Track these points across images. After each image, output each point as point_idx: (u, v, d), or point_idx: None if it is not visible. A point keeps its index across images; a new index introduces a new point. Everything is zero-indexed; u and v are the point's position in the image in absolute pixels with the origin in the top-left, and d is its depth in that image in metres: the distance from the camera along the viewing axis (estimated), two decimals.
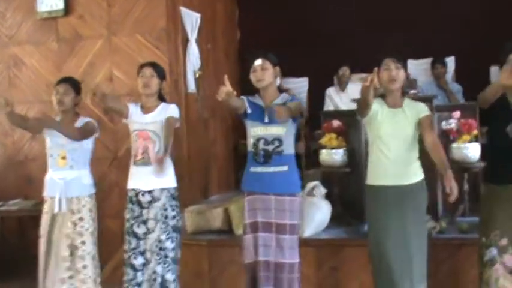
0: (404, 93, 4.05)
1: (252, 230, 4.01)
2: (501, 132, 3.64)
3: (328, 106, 7.62)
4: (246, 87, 8.16)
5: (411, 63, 7.01)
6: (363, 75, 7.88)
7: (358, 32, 8.02)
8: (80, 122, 4.60)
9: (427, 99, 4.86)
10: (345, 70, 7.65)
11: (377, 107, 3.91)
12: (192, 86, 6.65)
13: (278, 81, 4.15)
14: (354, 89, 7.58)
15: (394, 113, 3.91)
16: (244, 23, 8.61)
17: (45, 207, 4.60)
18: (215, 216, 5.28)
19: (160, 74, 4.45)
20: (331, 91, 7.72)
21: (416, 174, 3.93)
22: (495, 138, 3.73)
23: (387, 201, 3.87)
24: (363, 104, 3.80)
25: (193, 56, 6.70)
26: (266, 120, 3.96)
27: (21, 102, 6.54)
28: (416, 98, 4.42)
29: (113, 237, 5.81)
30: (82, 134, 4.51)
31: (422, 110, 3.95)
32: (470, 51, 7.54)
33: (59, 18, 6.42)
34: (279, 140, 3.94)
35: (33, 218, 6.20)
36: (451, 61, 7.66)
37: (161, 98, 4.52)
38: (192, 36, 6.70)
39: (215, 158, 7.38)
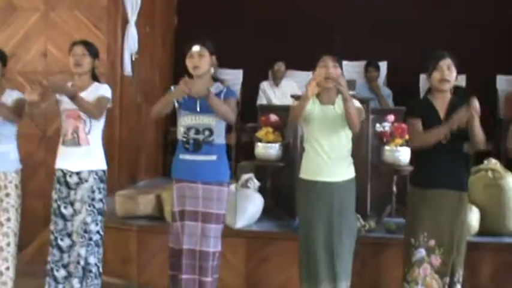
0: (338, 91, 4.08)
1: (180, 218, 4.00)
2: None
3: (262, 100, 7.67)
4: (180, 75, 8.23)
5: (345, 65, 7.12)
6: (299, 72, 8.03)
7: (295, 28, 8.13)
8: (7, 94, 4.42)
9: (363, 102, 4.94)
10: (280, 65, 7.72)
11: (310, 105, 3.97)
12: (128, 69, 6.56)
13: (212, 70, 4.11)
14: (288, 84, 7.71)
15: (326, 110, 3.97)
16: (182, 10, 8.52)
17: None
18: (147, 202, 5.22)
19: (93, 53, 4.30)
20: (265, 85, 7.77)
21: (346, 172, 4.01)
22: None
23: (317, 196, 3.94)
24: (298, 112, 3.88)
25: (132, 39, 6.60)
26: (198, 109, 3.93)
27: None
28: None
29: (36, 217, 5.67)
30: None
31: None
32: (402, 57, 7.78)
33: None
34: (210, 129, 3.93)
35: None
36: (383, 65, 7.86)
37: (94, 77, 4.36)
38: (132, 18, 6.60)
39: (145, 144, 7.30)
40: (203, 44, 3.96)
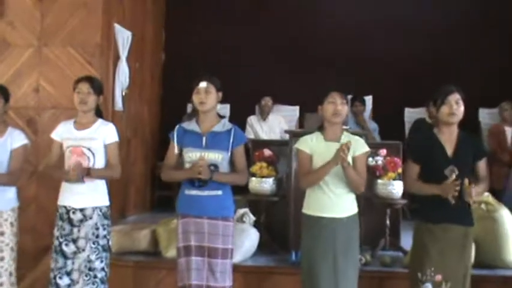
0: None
1: (186, 253, 3.98)
2: (437, 173, 3.83)
3: (249, 134, 7.72)
4: (167, 110, 8.31)
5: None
6: (285, 106, 8.14)
7: (282, 64, 8.27)
8: (12, 135, 4.43)
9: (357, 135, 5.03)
10: (267, 100, 7.82)
11: (313, 142, 4.04)
12: (119, 104, 6.60)
13: (219, 106, 4.17)
14: (276, 119, 7.81)
15: (331, 146, 3.99)
16: (169, 46, 8.63)
17: None
18: (141, 237, 5.22)
19: (97, 90, 4.30)
20: (252, 120, 7.85)
21: (350, 208, 4.04)
22: (430, 179, 3.90)
23: (320, 232, 3.97)
24: (322, 176, 3.93)
25: (123, 74, 6.67)
26: (204, 145, 3.97)
27: None
28: None
29: (26, 253, 5.60)
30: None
31: (359, 146, 4.05)
32: (387, 91, 7.95)
33: None
34: (215, 165, 3.94)
35: None
36: (368, 100, 8.00)
37: (98, 113, 4.40)
38: (123, 53, 6.68)
39: (134, 178, 7.30)
40: (210, 81, 4.00)
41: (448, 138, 3.93)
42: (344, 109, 4.02)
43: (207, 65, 7.56)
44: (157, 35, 8.33)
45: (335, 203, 3.97)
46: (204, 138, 3.96)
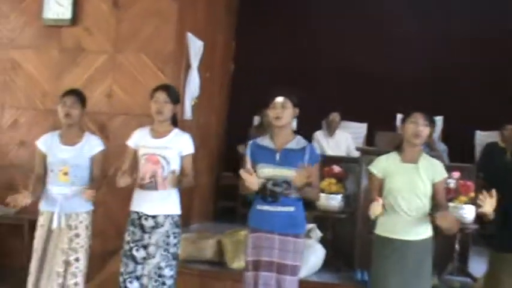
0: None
1: (254, 268, 3.93)
2: None
3: None
4: (234, 120, 8.34)
5: (400, 119, 7.15)
6: (353, 123, 8.05)
7: (350, 80, 8.19)
8: (86, 138, 4.49)
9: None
10: (335, 116, 7.72)
11: (388, 163, 3.95)
12: (188, 113, 6.63)
13: (294, 123, 4.11)
14: (343, 135, 7.71)
15: (408, 168, 3.91)
16: (239, 56, 8.65)
17: (41, 220, 4.43)
18: (208, 247, 5.24)
19: (174, 99, 4.31)
20: (319, 135, 7.77)
21: (424, 231, 3.93)
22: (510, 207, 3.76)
23: (392, 253, 3.88)
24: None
25: (193, 83, 6.70)
26: (277, 161, 3.93)
27: (13, 106, 6.45)
28: None
29: (94, 255, 5.68)
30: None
31: (439, 172, 3.96)
32: (458, 113, 7.76)
33: (64, 27, 6.38)
34: (288, 182, 3.89)
35: (13, 227, 6.07)
36: (438, 121, 7.82)
37: (174, 122, 4.41)
38: (195, 62, 6.72)
39: (199, 188, 7.31)
40: (287, 95, 3.95)
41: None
42: (426, 131, 3.92)
43: (275, 78, 7.65)
44: (227, 46, 8.38)
45: (409, 225, 3.87)
46: (277, 155, 3.91)
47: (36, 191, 4.35)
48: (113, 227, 5.98)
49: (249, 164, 3.98)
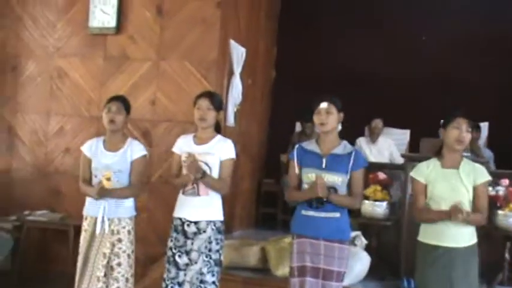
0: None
1: (300, 273, 3.91)
2: None
3: None
4: (276, 127, 8.33)
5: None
6: (395, 129, 7.96)
7: (394, 85, 8.10)
8: (128, 144, 4.52)
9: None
10: (377, 122, 7.63)
11: (429, 170, 3.90)
12: (231, 120, 6.64)
13: (340, 127, 4.07)
14: (385, 142, 7.63)
15: (449, 174, 3.84)
16: (280, 63, 8.64)
17: (85, 225, 4.48)
18: (251, 254, 5.23)
19: (217, 106, 4.30)
20: (361, 141, 7.69)
21: (469, 238, 3.84)
22: None
23: (437, 261, 3.81)
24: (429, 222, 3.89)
25: (236, 90, 6.70)
26: (324, 166, 3.89)
27: (59, 114, 6.56)
28: None
29: (137, 261, 5.71)
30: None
31: (481, 175, 3.87)
32: (505, 118, 7.61)
33: (109, 36, 6.46)
34: (334, 188, 3.86)
35: (59, 232, 6.17)
36: (484, 127, 7.69)
37: (217, 129, 4.41)
38: (237, 69, 6.72)
39: (241, 194, 7.32)
40: (331, 101, 3.93)
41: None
42: (468, 136, 3.85)
43: (316, 84, 7.62)
44: (269, 52, 8.37)
45: (453, 232, 3.80)
46: (324, 160, 3.88)
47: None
48: (155, 233, 6.02)
49: (296, 168, 3.97)
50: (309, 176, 3.89)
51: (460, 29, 8.13)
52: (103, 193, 4.31)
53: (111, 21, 6.39)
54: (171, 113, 6.21)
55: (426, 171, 3.91)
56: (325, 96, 3.97)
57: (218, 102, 4.33)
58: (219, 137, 4.34)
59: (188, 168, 4.06)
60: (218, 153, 4.24)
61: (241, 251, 5.24)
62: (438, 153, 3.96)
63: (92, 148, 4.50)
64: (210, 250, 4.18)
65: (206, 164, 4.19)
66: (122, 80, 6.38)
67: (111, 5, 6.38)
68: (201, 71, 6.17)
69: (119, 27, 6.39)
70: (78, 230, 4.76)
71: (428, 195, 3.90)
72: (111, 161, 4.41)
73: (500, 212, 5.08)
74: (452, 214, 3.67)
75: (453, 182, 3.82)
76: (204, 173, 4.05)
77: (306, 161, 3.93)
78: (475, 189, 3.82)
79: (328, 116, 3.90)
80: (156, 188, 6.09)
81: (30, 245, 6.32)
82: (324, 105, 3.92)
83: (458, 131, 3.80)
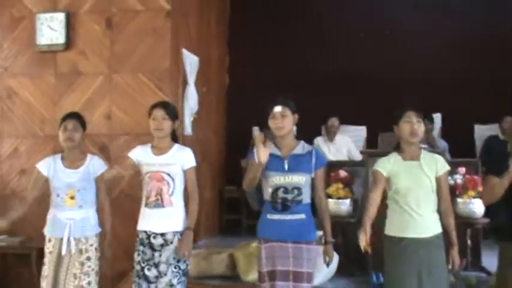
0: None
1: (270, 278, 3.90)
2: None
3: None
4: (232, 133, 8.34)
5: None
6: (352, 126, 8.04)
7: (345, 84, 8.19)
8: (89, 160, 4.46)
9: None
10: (334, 121, 7.70)
11: (391, 164, 3.95)
12: (188, 129, 6.63)
13: (295, 129, 4.09)
14: (343, 140, 7.70)
15: (411, 166, 3.91)
16: (233, 69, 8.66)
17: (49, 247, 4.37)
18: (220, 261, 5.22)
19: (172, 115, 4.28)
20: (319, 141, 7.74)
21: (433, 228, 3.91)
22: None
23: (404, 253, 3.87)
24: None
25: (192, 99, 6.70)
26: (286, 168, 3.91)
27: (12, 135, 6.43)
28: None
29: (103, 278, 5.61)
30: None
31: (442, 165, 3.96)
32: (456, 108, 7.76)
33: (58, 52, 6.36)
34: (299, 189, 3.87)
35: (20, 256, 6.03)
36: (437, 118, 7.83)
37: (174, 138, 4.38)
38: (191, 78, 6.72)
39: (204, 203, 7.25)
40: (285, 104, 3.93)
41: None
42: (421, 127, 3.92)
43: (270, 87, 7.63)
44: (221, 59, 8.41)
45: (418, 223, 3.86)
46: (286, 162, 3.89)
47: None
48: (120, 249, 5.90)
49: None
50: (274, 179, 3.88)
51: (412, 22, 8.30)
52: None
53: (59, 38, 6.29)
54: (127, 126, 6.15)
55: (388, 165, 3.96)
56: (279, 100, 3.97)
57: (173, 112, 4.32)
58: (177, 146, 4.32)
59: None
60: (179, 162, 4.23)
61: (209, 259, 5.22)
62: (397, 148, 4.03)
63: (51, 167, 4.41)
64: (178, 261, 4.15)
65: (169, 174, 4.18)
66: (75, 96, 6.29)
67: (58, 21, 6.28)
68: (155, 82, 6.13)
69: (68, 43, 6.30)
70: (40, 253, 4.67)
71: (393, 188, 3.95)
72: (74, 178, 4.35)
73: (459, 200, 5.18)
74: None
75: (416, 173, 3.89)
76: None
77: (268, 165, 3.92)
78: (437, 180, 3.90)
79: (283, 119, 3.91)
80: (118, 203, 5.98)
81: None
82: (278, 108, 3.92)
83: (410, 124, 3.89)
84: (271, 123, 3.94)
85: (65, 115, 4.52)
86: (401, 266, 3.85)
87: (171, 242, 4.15)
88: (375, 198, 3.95)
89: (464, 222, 5.22)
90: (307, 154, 3.93)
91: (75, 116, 4.51)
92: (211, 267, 5.21)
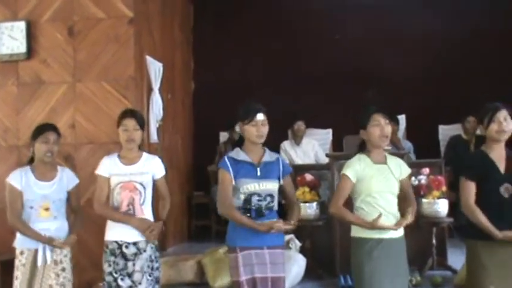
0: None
1: (250, 286, 3.86)
2: (493, 193, 3.76)
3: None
4: (199, 140, 8.33)
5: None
6: (318, 130, 8.09)
7: (310, 87, 8.26)
8: (60, 172, 4.40)
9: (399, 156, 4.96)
10: (300, 124, 7.74)
11: (361, 167, 3.97)
12: (154, 136, 6.60)
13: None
14: (309, 143, 7.75)
15: (381, 169, 3.92)
16: (198, 75, 8.65)
17: (22, 260, 4.28)
18: (188, 268, 5.20)
19: (142, 124, 4.24)
20: (286, 145, 7.79)
21: (401, 229, 3.92)
22: (487, 198, 3.80)
23: (371, 253, 3.86)
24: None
25: (157, 106, 6.68)
26: (258, 175, 3.87)
27: None
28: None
29: None
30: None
31: (405, 168, 3.99)
32: (420, 110, 7.87)
33: (20, 62, 6.27)
34: (271, 195, 3.84)
35: None
36: (402, 119, 7.91)
37: (139, 146, 4.31)
38: (156, 85, 6.70)
39: (171, 209, 7.18)
40: (265, 112, 3.87)
41: (499, 156, 3.83)
42: (389, 129, 3.93)
43: (234, 92, 7.64)
44: (186, 64, 8.39)
45: (391, 222, 3.88)
46: (258, 169, 3.85)
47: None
48: (87, 259, 5.89)
49: (232, 180, 3.92)
50: (247, 187, 3.82)
51: (378, 24, 8.38)
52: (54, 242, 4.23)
53: (20, 47, 6.21)
54: (92, 135, 6.10)
55: (358, 168, 3.95)
56: (260, 107, 3.87)
57: (142, 121, 4.28)
58: (146, 155, 4.29)
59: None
60: (150, 171, 4.22)
61: (177, 266, 5.21)
62: (362, 149, 4.04)
63: (22, 180, 4.30)
64: (152, 269, 4.14)
65: (141, 184, 4.16)
66: (39, 106, 6.21)
67: (19, 30, 6.20)
68: (119, 90, 6.09)
69: (30, 52, 6.22)
70: (7, 266, 4.59)
71: (365, 192, 3.91)
72: (49, 190, 4.30)
73: (424, 200, 5.25)
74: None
75: (387, 176, 3.89)
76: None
77: (240, 172, 3.88)
78: (401, 182, 3.93)
79: (264, 127, 3.87)
80: (84, 212, 5.94)
81: None
82: (261, 116, 3.83)
83: (379, 127, 3.87)
84: (252, 130, 3.81)
85: (43, 126, 4.44)
86: (369, 268, 3.85)
87: (144, 251, 4.12)
88: (341, 204, 3.97)
89: (430, 222, 5.29)
90: (275, 161, 3.90)
91: (55, 129, 4.42)
92: (179, 274, 5.19)
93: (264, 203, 3.82)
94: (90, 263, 5.85)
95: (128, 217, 4.13)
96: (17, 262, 4.31)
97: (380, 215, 3.75)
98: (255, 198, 3.82)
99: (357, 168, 3.96)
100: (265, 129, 3.86)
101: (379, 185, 3.88)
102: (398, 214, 3.94)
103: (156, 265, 4.17)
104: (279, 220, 3.75)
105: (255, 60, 8.52)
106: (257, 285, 3.81)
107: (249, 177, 3.83)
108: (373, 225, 3.82)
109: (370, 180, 3.90)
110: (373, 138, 3.89)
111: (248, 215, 3.82)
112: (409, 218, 3.83)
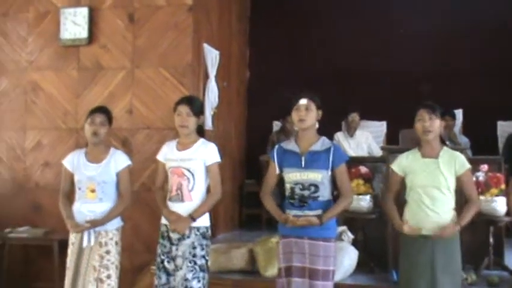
0: (443, 142, 4.09)
1: (286, 274, 3.88)
2: None
3: None
4: (252, 127, 8.35)
5: None
6: (372, 122, 8.01)
7: (368, 78, 8.14)
8: (111, 154, 4.49)
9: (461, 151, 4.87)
10: (354, 116, 7.65)
11: (408, 160, 3.98)
12: (209, 123, 6.64)
13: (317, 125, 4.06)
14: (363, 135, 7.67)
15: (429, 163, 3.92)
16: (253, 63, 8.66)
17: (72, 239, 4.44)
18: (239, 256, 5.22)
19: (197, 111, 4.27)
20: (339, 136, 7.71)
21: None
22: None
23: (418, 251, 3.88)
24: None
25: (212, 93, 6.72)
26: (303, 165, 3.87)
27: (35, 128, 6.50)
28: None
29: (124, 271, 5.66)
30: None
31: (462, 164, 3.95)
32: (478, 104, 7.70)
33: (81, 47, 6.41)
34: (315, 185, 3.83)
35: (42, 248, 6.09)
36: (459, 114, 7.77)
37: (200, 133, 4.38)
38: (212, 73, 6.74)
39: (223, 197, 7.25)
40: (310, 98, 3.92)
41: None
42: (434, 124, 3.94)
43: (290, 82, 7.62)
44: (242, 53, 8.42)
45: (434, 220, 3.87)
46: (303, 158, 3.87)
47: (71, 214, 4.40)
48: (141, 242, 6.00)
49: (276, 170, 3.97)
50: (290, 176, 3.88)
51: (436, 19, 8.22)
52: (80, 229, 4.32)
53: (82, 32, 6.34)
54: (149, 120, 6.19)
55: (405, 163, 4.00)
56: (305, 93, 3.96)
57: (198, 108, 4.31)
58: (201, 140, 4.32)
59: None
60: (201, 157, 4.23)
61: (229, 254, 5.23)
62: (419, 144, 4.05)
63: (74, 161, 4.47)
64: (194, 256, 4.15)
65: (189, 170, 4.19)
66: (97, 90, 6.34)
67: (82, 16, 6.34)
68: (177, 77, 6.15)
69: (91, 38, 6.35)
70: (63, 245, 4.71)
71: (409, 185, 3.98)
72: (95, 172, 4.39)
73: (481, 197, 5.11)
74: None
75: (433, 171, 3.90)
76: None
77: (286, 161, 3.93)
78: (458, 179, 3.90)
79: (307, 112, 3.89)
80: (139, 196, 6.02)
81: (13, 262, 6.21)
82: (303, 101, 3.91)
83: (421, 123, 3.93)
84: (294, 115, 3.92)
85: (93, 109, 4.56)
86: (416, 264, 3.87)
87: (188, 237, 4.16)
88: (390, 198, 4.08)
89: (487, 220, 5.18)
90: (324, 151, 3.89)
91: (103, 111, 4.54)
92: (231, 262, 5.22)
93: (306, 193, 3.83)
94: (144, 246, 5.96)
95: (162, 205, 4.26)
96: (69, 240, 4.46)
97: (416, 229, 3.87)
98: (297, 188, 3.84)
99: (403, 162, 3.99)
100: (306, 114, 3.88)
101: (422, 180, 3.91)
102: (450, 213, 3.89)
103: (201, 253, 4.16)
104: (309, 217, 3.78)
105: (312, 52, 8.46)
106: (293, 273, 3.83)
107: (293, 166, 3.87)
108: (400, 228, 3.92)
109: (414, 175, 3.93)
110: (419, 133, 3.97)
111: (292, 202, 3.86)
112: (456, 226, 3.85)
